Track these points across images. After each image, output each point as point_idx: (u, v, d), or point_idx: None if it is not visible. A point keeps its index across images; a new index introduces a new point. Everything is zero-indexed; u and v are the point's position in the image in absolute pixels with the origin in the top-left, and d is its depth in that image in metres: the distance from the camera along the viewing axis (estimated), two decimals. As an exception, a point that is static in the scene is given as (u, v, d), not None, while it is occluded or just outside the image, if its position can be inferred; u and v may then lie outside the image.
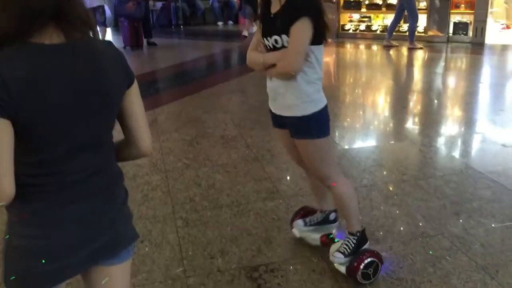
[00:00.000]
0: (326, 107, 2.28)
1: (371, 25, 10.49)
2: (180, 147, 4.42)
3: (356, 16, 10.73)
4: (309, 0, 2.11)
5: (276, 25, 2.12)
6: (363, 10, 10.47)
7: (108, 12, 10.37)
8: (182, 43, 10.34)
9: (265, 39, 2.21)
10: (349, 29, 10.67)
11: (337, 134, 4.73)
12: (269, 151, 4.26)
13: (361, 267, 2.37)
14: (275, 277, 2.53)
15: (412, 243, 2.79)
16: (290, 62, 2.08)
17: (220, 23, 12.88)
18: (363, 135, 4.83)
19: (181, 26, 13.37)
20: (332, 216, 2.76)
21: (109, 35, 10.44)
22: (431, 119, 5.27)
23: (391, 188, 3.52)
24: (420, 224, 2.99)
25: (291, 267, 2.60)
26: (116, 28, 11.68)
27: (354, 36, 10.34)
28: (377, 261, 2.41)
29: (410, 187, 3.51)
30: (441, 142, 4.57)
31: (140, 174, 3.83)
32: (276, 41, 2.14)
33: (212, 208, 3.27)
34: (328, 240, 2.65)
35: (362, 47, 10.28)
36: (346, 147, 4.37)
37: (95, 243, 1.33)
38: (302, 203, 3.27)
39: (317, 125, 2.26)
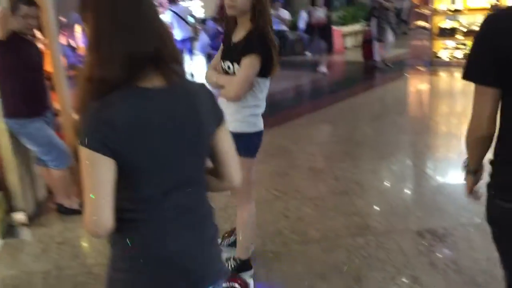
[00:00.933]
0: (259, 133, 2.50)
1: (467, 53, 9.95)
2: (269, 178, 4.46)
3: (451, 43, 10.30)
4: (263, 40, 2.31)
5: (232, 53, 2.38)
6: (459, 37, 10.03)
7: (204, 40, 11.03)
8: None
9: (222, 61, 2.47)
10: (443, 57, 10.26)
11: (430, 166, 4.53)
12: (358, 184, 4.17)
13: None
14: (366, 318, 2.44)
15: (518, 291, 2.56)
16: (232, 90, 2.33)
17: (308, 53, 12.98)
18: (459, 167, 4.56)
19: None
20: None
21: (202, 62, 10.88)
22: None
23: (492, 228, 3.27)
24: (528, 269, 2.74)
25: (383, 309, 2.50)
26: (209, 59, 12.19)
27: (449, 64, 9.91)
28: None
29: (514, 228, 3.24)
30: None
31: (231, 205, 3.90)
32: (228, 67, 2.41)
33: (300, 242, 3.25)
34: None
35: (457, 75, 9.83)
36: (442, 181, 4.15)
37: (191, 277, 1.38)
38: (394, 240, 3.16)
39: (244, 145, 2.32)
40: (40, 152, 3.66)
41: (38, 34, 3.80)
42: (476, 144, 1.75)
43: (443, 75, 9.40)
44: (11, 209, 3.74)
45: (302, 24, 11.22)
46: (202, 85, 1.43)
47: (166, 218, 1.32)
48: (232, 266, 2.78)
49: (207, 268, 1.44)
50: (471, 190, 1.86)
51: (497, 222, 1.69)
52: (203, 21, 12.98)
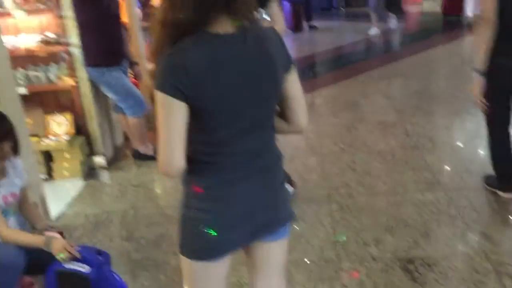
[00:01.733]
0: None
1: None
2: (337, 131, 4.43)
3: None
4: None
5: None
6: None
7: None
8: (342, 25, 10.23)
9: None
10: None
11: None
12: (431, 140, 4.04)
13: None
14: (432, 271, 2.42)
15: None
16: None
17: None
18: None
19: (342, 8, 13.20)
20: None
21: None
22: None
23: None
24: None
25: (450, 264, 2.47)
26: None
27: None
28: None
29: None
30: None
31: (297, 156, 3.94)
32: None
33: (367, 195, 3.24)
34: None
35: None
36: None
37: (257, 220, 1.44)
38: (466, 198, 3.07)
39: None
40: (118, 99, 3.84)
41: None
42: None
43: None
44: (92, 153, 4.00)
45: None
46: (273, 29, 1.43)
47: (236, 161, 1.37)
48: None
49: (276, 212, 1.48)
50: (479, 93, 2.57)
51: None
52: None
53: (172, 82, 1.23)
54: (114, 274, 2.16)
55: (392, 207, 3.06)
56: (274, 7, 2.76)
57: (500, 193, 2.99)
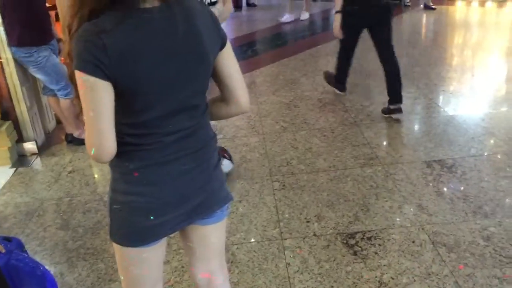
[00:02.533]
0: None
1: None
2: (278, 109, 4.43)
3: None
4: None
5: None
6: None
7: None
8: (282, 3, 10.17)
9: None
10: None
11: (442, 98, 4.45)
12: (369, 116, 4.12)
13: None
14: (372, 245, 2.48)
15: (525, 220, 2.58)
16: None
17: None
18: (472, 100, 4.48)
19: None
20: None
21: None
22: (553, 84, 4.75)
23: (502, 159, 3.26)
24: (536, 199, 2.75)
25: (389, 237, 2.54)
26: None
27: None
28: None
29: (525, 159, 3.22)
30: None
31: (238, 136, 3.91)
32: None
33: (308, 172, 3.26)
34: None
35: (475, 4, 9.45)
36: (453, 113, 4.09)
37: (191, 202, 1.38)
38: (403, 171, 3.16)
39: None
40: (48, 81, 3.63)
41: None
42: None
43: (460, 5, 9.05)
44: (21, 139, 3.77)
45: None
46: (202, 2, 1.34)
47: (167, 142, 1.30)
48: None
49: (211, 194, 1.43)
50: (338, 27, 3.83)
51: None
52: None
53: (91, 60, 1.11)
54: (28, 260, 2.00)
55: (332, 183, 3.10)
56: None
57: (337, 91, 4.60)
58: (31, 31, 3.46)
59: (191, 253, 1.58)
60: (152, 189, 1.32)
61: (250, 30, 8.17)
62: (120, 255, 1.44)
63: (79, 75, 1.14)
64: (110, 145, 1.19)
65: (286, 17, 8.32)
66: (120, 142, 1.23)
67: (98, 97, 1.15)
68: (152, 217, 1.32)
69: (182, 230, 1.51)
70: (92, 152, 1.19)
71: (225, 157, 3.21)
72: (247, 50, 6.65)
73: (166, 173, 1.32)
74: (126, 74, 1.15)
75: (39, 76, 3.63)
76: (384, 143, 3.67)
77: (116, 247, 1.41)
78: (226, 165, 3.20)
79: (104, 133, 1.17)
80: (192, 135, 1.34)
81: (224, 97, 1.41)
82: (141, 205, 1.32)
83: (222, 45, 1.33)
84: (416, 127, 3.98)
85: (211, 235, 1.53)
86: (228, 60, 1.36)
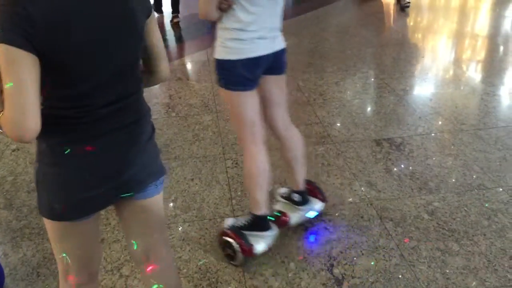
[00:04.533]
0: (238, 62, 2.01)
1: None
2: (232, 88, 4.39)
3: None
4: None
5: None
6: None
7: None
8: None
9: None
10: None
11: (392, 79, 4.55)
12: (322, 95, 4.16)
13: (227, 239, 2.25)
14: (322, 221, 2.52)
15: (467, 195, 2.70)
16: (199, 8, 1.97)
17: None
18: (420, 80, 4.61)
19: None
20: (295, 196, 2.49)
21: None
22: (497, 66, 4.95)
23: (448, 138, 3.38)
24: (477, 175, 2.88)
25: (338, 213, 2.59)
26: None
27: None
28: (240, 252, 2.21)
29: (468, 137, 3.35)
30: (506, 91, 4.29)
31: (191, 114, 3.86)
32: None
33: (261, 150, 3.26)
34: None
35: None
36: (402, 93, 4.19)
37: (122, 176, 1.34)
38: (353, 149, 3.22)
39: (221, 73, 2.08)
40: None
41: None
42: None
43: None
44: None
45: None
46: None
47: (98, 115, 1.25)
48: (245, 221, 2.31)
49: (142, 168, 1.39)
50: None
51: None
52: None
53: (16, 31, 1.04)
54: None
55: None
56: None
57: None
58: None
59: (127, 229, 1.54)
60: (81, 161, 1.27)
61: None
62: (50, 230, 1.40)
63: (2, 48, 1.05)
64: (34, 123, 1.08)
65: None
66: (50, 114, 1.18)
67: (22, 70, 1.06)
68: (78, 191, 1.28)
69: (117, 206, 1.47)
70: (13, 131, 1.08)
71: (317, 198, 2.56)
72: (202, 28, 6.55)
73: (97, 146, 1.27)
74: (54, 46, 1.09)
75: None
76: (336, 122, 3.72)
77: (46, 221, 1.37)
78: (318, 206, 2.54)
79: (28, 109, 1.07)
80: (125, 108, 1.31)
81: (146, 66, 1.40)
82: (69, 178, 1.28)
83: (148, 14, 1.31)
84: (368, 106, 4.05)
85: (146, 210, 1.48)
86: (152, 30, 1.34)
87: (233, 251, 2.23)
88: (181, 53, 5.76)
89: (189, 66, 5.35)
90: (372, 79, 4.59)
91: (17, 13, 1.05)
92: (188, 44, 5.96)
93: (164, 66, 1.42)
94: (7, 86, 1.06)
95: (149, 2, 1.33)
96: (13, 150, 3.36)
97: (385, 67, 4.92)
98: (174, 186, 2.87)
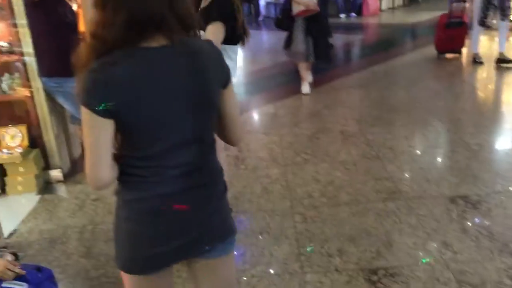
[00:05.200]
0: None
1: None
2: (300, 141, 4.44)
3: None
4: (225, 7, 2.46)
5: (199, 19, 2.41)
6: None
7: None
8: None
9: None
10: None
11: (466, 133, 4.40)
12: (391, 149, 4.10)
13: None
14: (395, 282, 2.44)
15: (553, 260, 2.51)
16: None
17: (342, 15, 12.67)
18: (496, 135, 4.44)
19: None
20: None
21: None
22: None
23: (529, 196, 3.20)
24: None
25: (412, 274, 2.49)
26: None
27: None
28: None
29: (552, 197, 3.15)
30: None
31: (260, 167, 3.93)
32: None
33: (330, 205, 3.25)
34: None
35: (496, 39, 9.40)
36: (477, 148, 4.04)
37: (190, 236, 1.39)
38: (426, 206, 3.12)
39: None
40: (76, 111, 3.72)
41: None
42: None
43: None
44: (47, 166, 3.85)
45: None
46: (209, 42, 1.40)
47: (170, 175, 1.34)
48: None
49: (211, 228, 1.44)
50: None
51: None
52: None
53: (95, 98, 1.21)
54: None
55: (354, 217, 3.07)
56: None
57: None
58: (62, 62, 3.55)
59: (196, 286, 1.58)
60: (152, 219, 1.35)
61: (273, 62, 8.26)
62: (125, 281, 1.47)
63: (83, 110, 1.23)
64: (105, 176, 1.28)
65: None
66: (126, 173, 1.31)
67: (98, 132, 1.24)
68: (150, 247, 1.36)
69: (188, 264, 1.52)
70: (90, 182, 1.30)
71: None
72: (269, 83, 6.72)
73: (168, 205, 1.35)
74: (129, 110, 1.22)
75: (67, 106, 3.73)
76: (407, 177, 3.63)
77: (121, 272, 1.45)
78: None
79: (100, 165, 1.27)
80: (197, 170, 1.38)
81: (219, 129, 1.47)
82: (141, 234, 1.36)
83: (226, 84, 1.38)
84: (440, 161, 3.94)
85: (215, 269, 1.52)
86: (228, 99, 1.41)
87: None
88: (250, 106, 5.94)
89: (257, 118, 5.49)
90: (444, 133, 4.47)
91: (98, 80, 1.21)
92: (257, 97, 6.13)
93: (234, 136, 1.48)
94: (86, 143, 1.26)
95: (229, 70, 1.41)
96: (93, 200, 3.56)
97: (458, 120, 4.79)
98: (242, 239, 2.90)
